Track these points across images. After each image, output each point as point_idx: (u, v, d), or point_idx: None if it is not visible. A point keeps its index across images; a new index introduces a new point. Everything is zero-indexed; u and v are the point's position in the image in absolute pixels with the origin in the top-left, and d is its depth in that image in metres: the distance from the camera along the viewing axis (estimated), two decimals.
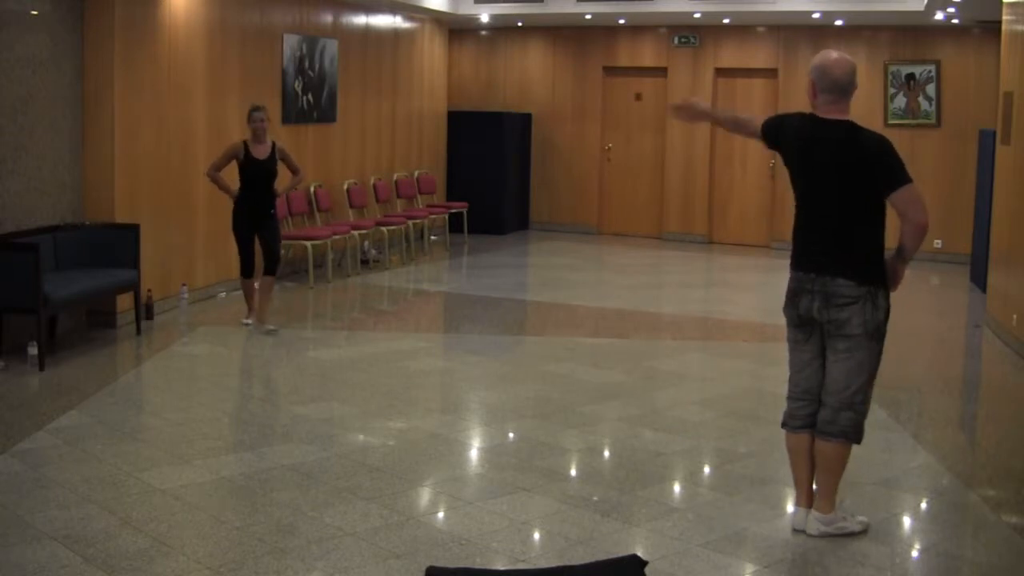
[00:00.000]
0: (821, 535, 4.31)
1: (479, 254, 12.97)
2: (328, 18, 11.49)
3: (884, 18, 12.36)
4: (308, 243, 10.21)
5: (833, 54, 4.23)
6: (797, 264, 4.31)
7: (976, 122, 12.21)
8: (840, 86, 4.17)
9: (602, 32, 14.54)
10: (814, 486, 4.40)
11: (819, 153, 4.18)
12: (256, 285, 8.41)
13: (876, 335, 4.19)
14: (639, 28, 14.30)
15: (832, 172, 4.15)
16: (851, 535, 4.34)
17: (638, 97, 14.47)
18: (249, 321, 8.35)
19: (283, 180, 8.51)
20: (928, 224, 4.11)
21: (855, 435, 4.28)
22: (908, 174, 4.09)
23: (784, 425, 4.45)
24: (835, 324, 4.17)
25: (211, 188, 9.46)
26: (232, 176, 8.24)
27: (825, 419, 4.27)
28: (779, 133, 4.40)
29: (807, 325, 4.28)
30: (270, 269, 8.35)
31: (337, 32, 11.63)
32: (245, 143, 8.08)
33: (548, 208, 15.12)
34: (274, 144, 8.21)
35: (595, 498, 4.77)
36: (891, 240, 4.15)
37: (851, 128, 4.16)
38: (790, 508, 4.57)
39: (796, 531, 4.38)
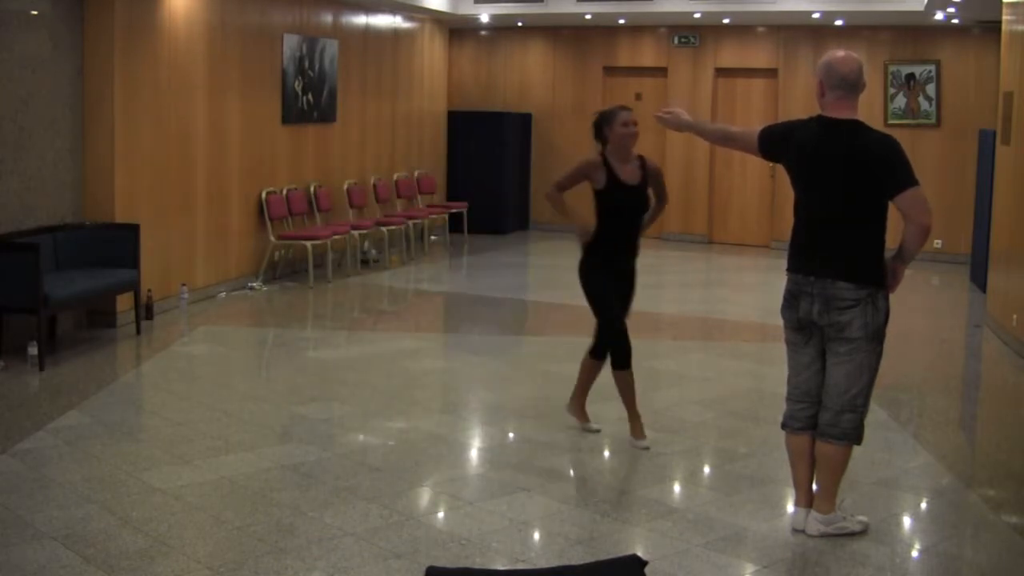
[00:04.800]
0: (821, 535, 4.31)
1: (479, 254, 12.97)
2: (328, 18, 11.49)
3: (884, 18, 12.36)
4: (308, 243, 10.21)
5: (840, 52, 4.23)
6: (796, 266, 4.29)
7: (976, 122, 12.20)
8: (848, 82, 4.16)
9: (602, 32, 14.53)
10: (814, 486, 4.40)
11: (827, 157, 4.16)
12: (589, 368, 5.88)
13: (876, 337, 4.19)
14: (639, 28, 14.30)
15: (839, 174, 4.13)
16: (851, 535, 4.34)
17: (638, 97, 14.45)
18: (595, 427, 5.78)
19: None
20: (931, 226, 4.10)
21: (856, 437, 4.28)
22: (915, 176, 4.08)
23: (784, 426, 4.45)
24: (836, 327, 4.17)
25: (211, 187, 9.51)
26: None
27: (827, 421, 4.27)
28: (782, 145, 4.35)
29: (806, 328, 4.27)
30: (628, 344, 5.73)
31: (337, 32, 11.63)
32: (605, 159, 5.61)
33: (548, 208, 15.03)
34: (643, 161, 5.68)
35: (595, 498, 4.77)
36: (891, 240, 4.15)
37: (859, 128, 4.15)
38: (790, 508, 4.57)
39: (796, 531, 4.38)
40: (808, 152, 4.23)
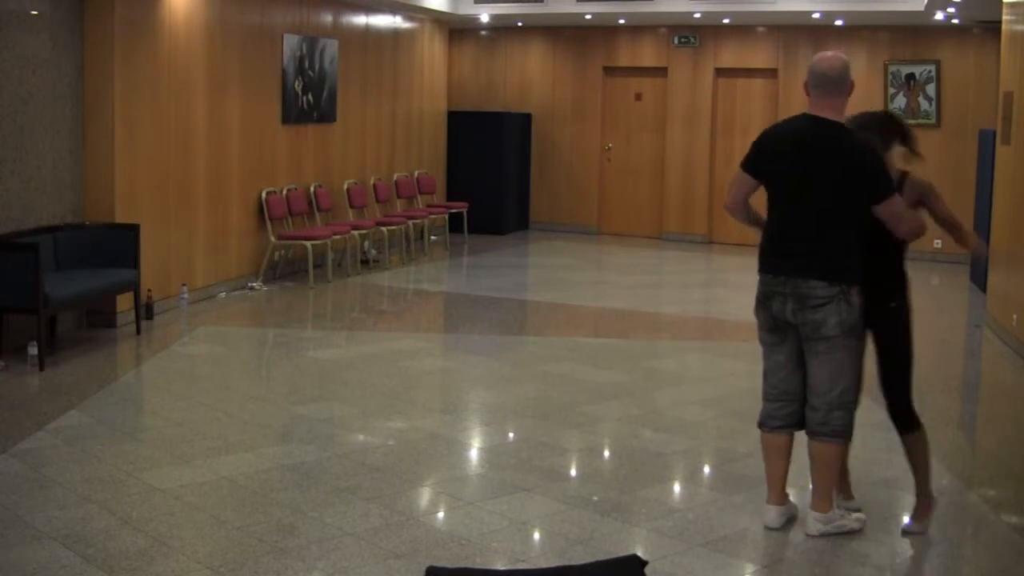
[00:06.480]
0: (821, 535, 4.32)
1: (479, 254, 12.97)
2: (328, 18, 11.49)
3: (884, 18, 12.36)
4: (308, 243, 10.21)
5: (827, 53, 4.29)
6: (767, 267, 4.29)
7: (976, 122, 12.20)
8: (828, 79, 4.17)
9: (602, 32, 14.53)
10: (810, 485, 4.41)
11: (807, 152, 4.17)
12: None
13: (853, 333, 4.21)
14: (639, 28, 14.30)
15: (816, 171, 4.14)
16: (850, 533, 4.34)
17: (638, 97, 14.46)
18: (859, 513, 4.50)
19: None
20: (918, 231, 4.22)
21: (848, 433, 4.30)
22: (892, 185, 4.12)
23: (761, 425, 4.45)
24: (811, 326, 4.18)
25: (211, 187, 9.51)
26: None
27: (817, 421, 4.28)
28: (768, 144, 4.31)
29: (781, 328, 4.29)
30: (901, 407, 4.47)
31: (337, 32, 11.63)
32: None
33: (548, 208, 15.11)
34: (905, 177, 4.36)
35: (595, 498, 4.77)
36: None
37: (839, 132, 4.16)
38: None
39: (769, 529, 4.37)
40: (788, 144, 4.22)
